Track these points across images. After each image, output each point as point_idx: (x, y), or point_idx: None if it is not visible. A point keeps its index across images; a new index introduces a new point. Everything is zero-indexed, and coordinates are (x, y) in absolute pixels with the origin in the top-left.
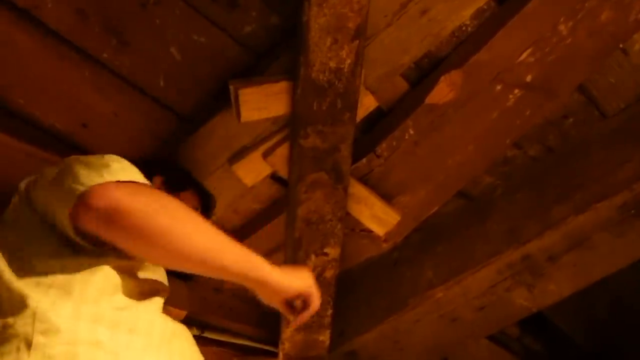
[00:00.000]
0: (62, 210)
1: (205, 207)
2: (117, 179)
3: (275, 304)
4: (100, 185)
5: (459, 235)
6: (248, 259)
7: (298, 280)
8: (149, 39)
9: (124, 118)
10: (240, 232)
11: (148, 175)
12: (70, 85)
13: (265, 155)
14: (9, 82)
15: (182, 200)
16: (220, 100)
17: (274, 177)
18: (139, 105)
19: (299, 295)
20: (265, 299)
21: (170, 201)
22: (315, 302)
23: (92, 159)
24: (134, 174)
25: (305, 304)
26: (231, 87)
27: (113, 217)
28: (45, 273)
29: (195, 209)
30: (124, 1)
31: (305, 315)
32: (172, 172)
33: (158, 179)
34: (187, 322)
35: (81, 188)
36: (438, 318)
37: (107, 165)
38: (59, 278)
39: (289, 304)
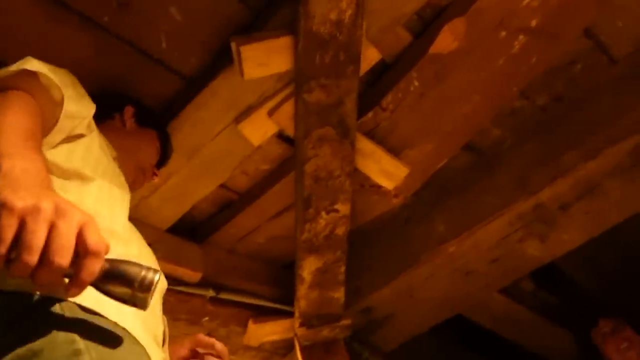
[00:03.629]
0: None
1: (164, 152)
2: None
3: None
4: None
5: (469, 189)
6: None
7: (21, 193)
8: (148, 1)
9: (127, 81)
10: (250, 193)
11: (122, 103)
12: (72, 50)
13: (271, 113)
14: (10, 50)
15: (145, 139)
16: (223, 58)
17: (281, 136)
18: (142, 67)
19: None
20: None
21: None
22: (32, 239)
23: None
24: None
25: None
26: (233, 44)
27: None
28: None
29: (157, 151)
30: None
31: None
32: (144, 109)
33: (130, 109)
34: (202, 284)
35: None
36: (451, 272)
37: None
38: None
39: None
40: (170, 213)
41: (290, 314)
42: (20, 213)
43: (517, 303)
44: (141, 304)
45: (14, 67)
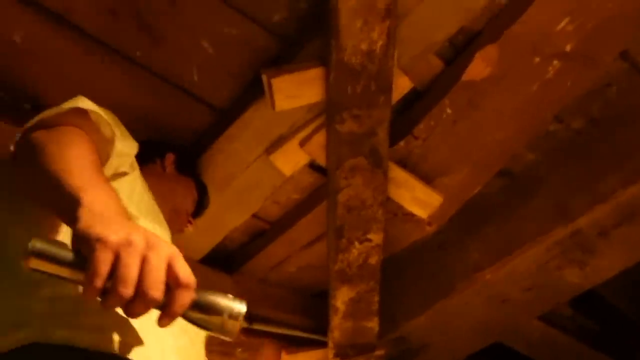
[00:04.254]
0: None
1: (200, 203)
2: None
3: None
4: None
5: (504, 214)
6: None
7: (113, 227)
8: (181, 34)
9: (160, 114)
10: (282, 223)
11: (163, 151)
12: (107, 85)
13: (302, 143)
14: (48, 86)
15: (182, 186)
16: (254, 90)
17: (313, 165)
18: (175, 101)
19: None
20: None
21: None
22: (130, 269)
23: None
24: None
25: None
26: (264, 77)
27: None
28: None
29: (193, 200)
30: None
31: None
32: (185, 157)
33: (171, 156)
34: None
35: None
36: (487, 300)
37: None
38: None
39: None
40: (203, 244)
41: (323, 344)
42: (115, 247)
43: (554, 328)
44: (230, 333)
45: (65, 105)
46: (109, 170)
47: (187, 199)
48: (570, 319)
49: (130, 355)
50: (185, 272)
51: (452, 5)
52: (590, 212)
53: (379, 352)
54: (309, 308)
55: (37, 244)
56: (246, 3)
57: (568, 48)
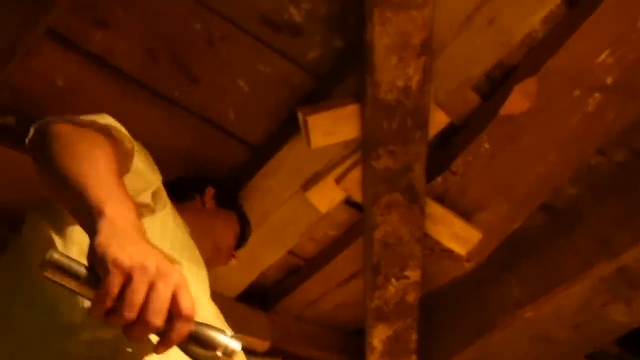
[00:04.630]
0: None
1: (243, 234)
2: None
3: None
4: None
5: (545, 250)
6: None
7: (129, 249)
8: (218, 74)
9: (198, 153)
10: (318, 260)
11: (202, 186)
12: (145, 125)
13: (339, 180)
14: None
15: (224, 219)
16: (290, 127)
17: (349, 202)
18: (212, 139)
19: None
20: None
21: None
22: (137, 294)
23: None
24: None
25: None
26: (300, 115)
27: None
28: None
29: (235, 234)
30: (192, 39)
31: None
32: (225, 190)
33: (211, 190)
34: (271, 353)
35: None
36: (530, 339)
37: None
38: None
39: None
40: (239, 281)
41: None
42: (128, 271)
43: None
44: None
45: (87, 118)
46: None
47: (229, 233)
48: (617, 358)
49: None
50: (187, 304)
51: (488, 39)
52: (636, 247)
53: None
54: (346, 346)
55: (55, 255)
56: (282, 42)
57: (609, 81)
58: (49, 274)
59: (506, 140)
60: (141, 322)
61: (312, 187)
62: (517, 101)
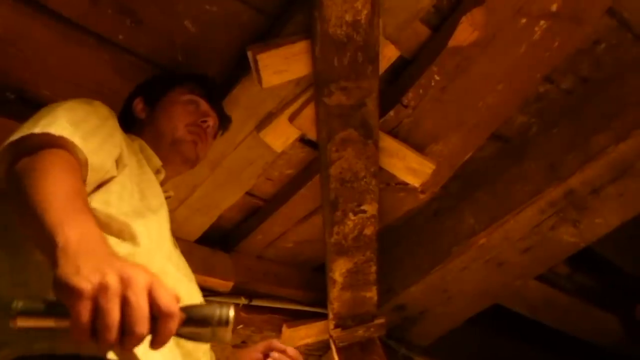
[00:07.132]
0: None
1: (206, 89)
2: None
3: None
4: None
5: (498, 178)
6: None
7: (85, 271)
8: (162, 15)
9: None
10: (276, 199)
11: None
12: (92, 71)
13: (292, 118)
14: (32, 75)
15: (162, 109)
16: (240, 67)
17: (304, 140)
18: None
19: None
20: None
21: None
22: (111, 316)
23: (53, 106)
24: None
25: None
26: (249, 53)
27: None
28: None
29: (182, 107)
30: None
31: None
32: (147, 86)
33: (137, 102)
34: (235, 292)
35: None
36: (484, 264)
37: (42, 117)
38: None
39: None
40: (198, 224)
41: (323, 316)
42: (91, 296)
43: (553, 288)
44: (223, 340)
45: (37, 129)
46: (90, 186)
47: (174, 114)
48: (568, 278)
49: (110, 355)
50: (166, 301)
51: None
52: (582, 170)
53: (379, 321)
54: (308, 282)
55: (19, 305)
56: None
57: (554, 7)
58: (23, 323)
59: (456, 71)
60: (127, 334)
61: (266, 127)
62: (465, 31)
